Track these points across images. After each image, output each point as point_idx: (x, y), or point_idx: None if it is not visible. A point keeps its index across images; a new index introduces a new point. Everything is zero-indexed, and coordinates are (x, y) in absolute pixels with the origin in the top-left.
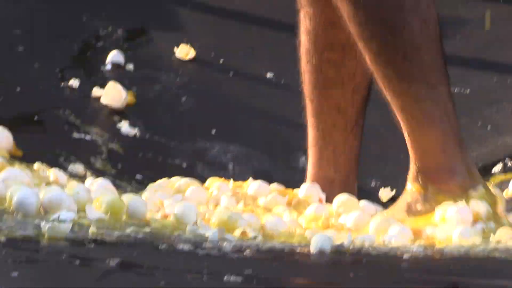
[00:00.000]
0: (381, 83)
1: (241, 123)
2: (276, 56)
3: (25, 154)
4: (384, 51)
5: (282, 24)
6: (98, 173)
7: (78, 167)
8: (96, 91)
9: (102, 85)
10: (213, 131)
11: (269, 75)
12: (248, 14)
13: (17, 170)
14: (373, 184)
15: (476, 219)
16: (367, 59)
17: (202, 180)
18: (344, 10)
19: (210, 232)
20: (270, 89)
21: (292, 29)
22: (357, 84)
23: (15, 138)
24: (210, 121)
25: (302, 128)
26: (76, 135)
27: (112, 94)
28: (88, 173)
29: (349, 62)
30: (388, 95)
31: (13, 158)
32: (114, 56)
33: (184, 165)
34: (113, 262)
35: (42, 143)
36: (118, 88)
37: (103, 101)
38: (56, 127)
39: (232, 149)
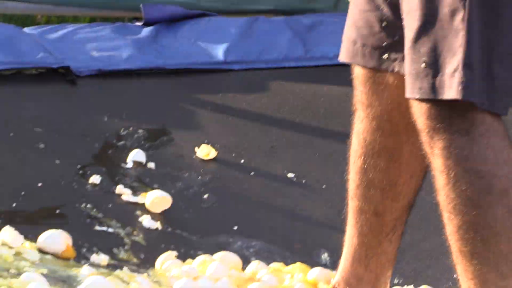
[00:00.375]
0: (453, 252)
1: (262, 220)
2: (297, 157)
3: None
4: (464, 228)
5: (303, 127)
6: (120, 263)
7: (101, 258)
8: (120, 189)
9: (124, 183)
10: (235, 227)
11: (290, 175)
12: (269, 116)
13: (102, 279)
14: (396, 281)
15: None
16: (446, 226)
17: None
18: (436, 180)
19: None
20: (292, 188)
21: (312, 131)
22: (397, 193)
23: (36, 231)
24: (232, 217)
25: (324, 226)
26: (98, 227)
27: (158, 201)
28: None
29: (393, 171)
30: (457, 265)
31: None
32: (135, 154)
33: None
34: None
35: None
36: (165, 197)
37: (147, 206)
38: (78, 220)
39: (254, 245)
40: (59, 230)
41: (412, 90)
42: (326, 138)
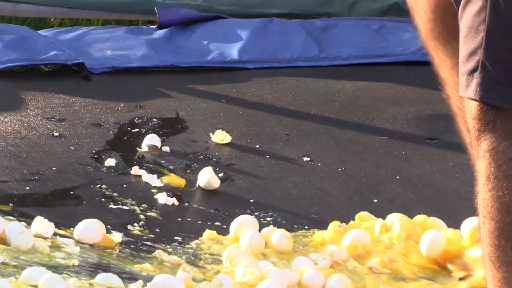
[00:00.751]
0: (483, 256)
1: (278, 195)
2: (313, 144)
3: (60, 223)
4: (496, 234)
5: (318, 118)
6: (135, 239)
7: (115, 235)
8: (135, 170)
9: (139, 164)
10: (251, 200)
11: (306, 158)
12: (283, 108)
13: (170, 278)
14: None
15: None
16: (479, 229)
17: None
18: (477, 182)
19: None
20: (307, 169)
21: (328, 122)
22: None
23: (52, 211)
24: (248, 192)
25: (340, 202)
26: (113, 205)
27: (208, 179)
28: (124, 239)
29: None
30: (485, 270)
31: (102, 248)
32: (150, 139)
33: (224, 227)
34: None
35: (78, 214)
36: (214, 176)
37: (200, 184)
38: (93, 200)
39: (271, 214)
40: (94, 220)
41: (460, 87)
42: (342, 128)
